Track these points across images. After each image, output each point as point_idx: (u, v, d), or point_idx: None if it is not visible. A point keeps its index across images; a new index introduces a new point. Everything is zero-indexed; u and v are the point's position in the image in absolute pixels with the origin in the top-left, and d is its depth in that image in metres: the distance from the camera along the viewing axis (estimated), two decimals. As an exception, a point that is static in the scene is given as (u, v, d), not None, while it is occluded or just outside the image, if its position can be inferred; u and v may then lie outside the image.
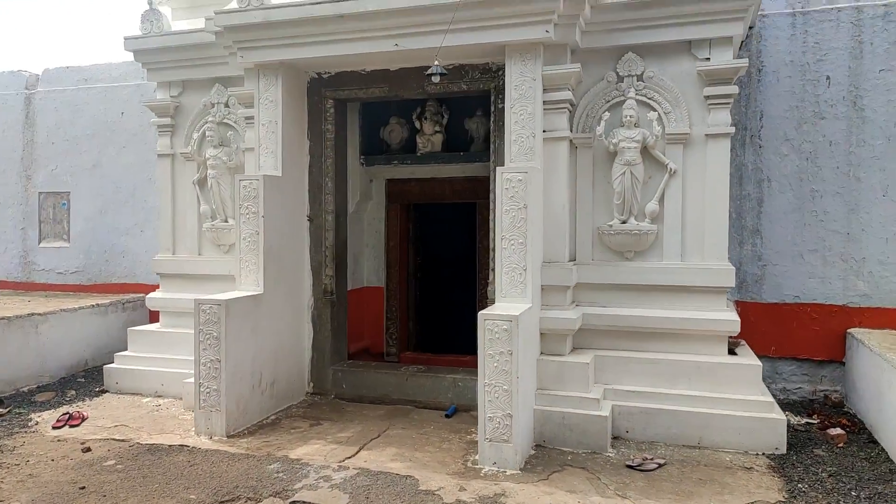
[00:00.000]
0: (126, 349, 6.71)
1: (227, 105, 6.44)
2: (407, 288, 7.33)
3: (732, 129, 5.05)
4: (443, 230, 8.15)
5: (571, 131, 5.28)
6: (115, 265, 8.23)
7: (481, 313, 4.49)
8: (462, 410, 5.68)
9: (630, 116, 5.19)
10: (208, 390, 5.16)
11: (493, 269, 5.64)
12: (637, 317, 5.16)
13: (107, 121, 8.25)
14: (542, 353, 5.13)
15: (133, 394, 6.38)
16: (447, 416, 5.55)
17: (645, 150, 5.22)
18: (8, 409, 5.77)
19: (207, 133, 6.40)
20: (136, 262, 8.08)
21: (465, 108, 6.92)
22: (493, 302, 5.59)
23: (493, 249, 5.65)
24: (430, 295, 7.79)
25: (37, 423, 5.50)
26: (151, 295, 6.73)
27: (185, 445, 4.94)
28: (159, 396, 6.27)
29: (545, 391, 4.96)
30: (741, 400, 4.80)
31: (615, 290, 5.30)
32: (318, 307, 6.19)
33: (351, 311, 6.61)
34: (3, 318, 6.27)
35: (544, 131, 5.12)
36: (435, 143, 6.84)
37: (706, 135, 5.10)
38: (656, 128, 5.12)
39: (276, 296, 5.73)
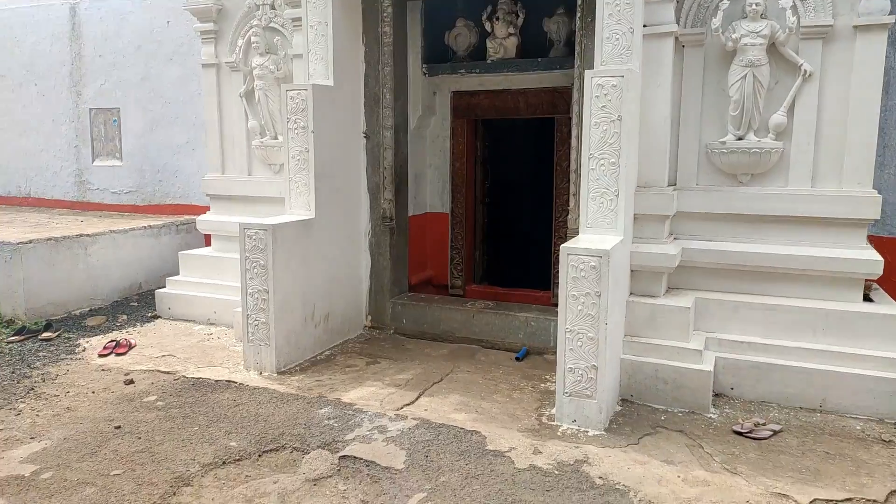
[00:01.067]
0: (179, 273, 6.39)
1: (273, 7, 5.72)
2: (474, 214, 6.62)
3: (892, 19, 3.96)
4: (515, 149, 7.33)
5: (678, 25, 4.30)
6: (168, 185, 7.86)
7: (564, 247, 3.76)
8: (534, 353, 5.06)
9: (756, 5, 4.16)
10: (256, 323, 4.71)
11: (575, 195, 4.88)
12: (751, 254, 4.30)
13: (152, 31, 7.68)
14: (631, 293, 4.38)
15: (185, 320, 6.07)
16: (518, 358, 4.95)
17: (772, 48, 4.21)
18: (57, 333, 5.55)
19: (253, 39, 5.73)
20: (189, 183, 7.68)
21: (544, 5, 5.93)
22: (574, 232, 4.83)
23: (577, 171, 4.86)
24: (500, 222, 7.06)
25: (83, 350, 5.24)
26: (202, 217, 6.31)
27: (233, 381, 4.55)
28: (211, 324, 5.93)
29: (635, 338, 4.25)
30: (879, 357, 3.95)
31: (723, 220, 4.44)
32: (377, 234, 5.60)
33: (412, 239, 5.99)
34: (50, 239, 5.99)
35: (644, 26, 4.17)
36: (508, 48, 5.92)
37: (854, 26, 4.04)
38: (790, 18, 4.07)
39: (330, 221, 5.15)
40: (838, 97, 4.12)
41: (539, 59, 5.76)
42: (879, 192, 4.73)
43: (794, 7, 4.10)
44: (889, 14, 3.95)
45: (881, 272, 4.06)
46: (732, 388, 4.20)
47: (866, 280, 4.28)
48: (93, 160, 8.27)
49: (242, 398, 4.25)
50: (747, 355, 4.18)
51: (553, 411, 3.95)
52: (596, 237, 3.95)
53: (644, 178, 4.36)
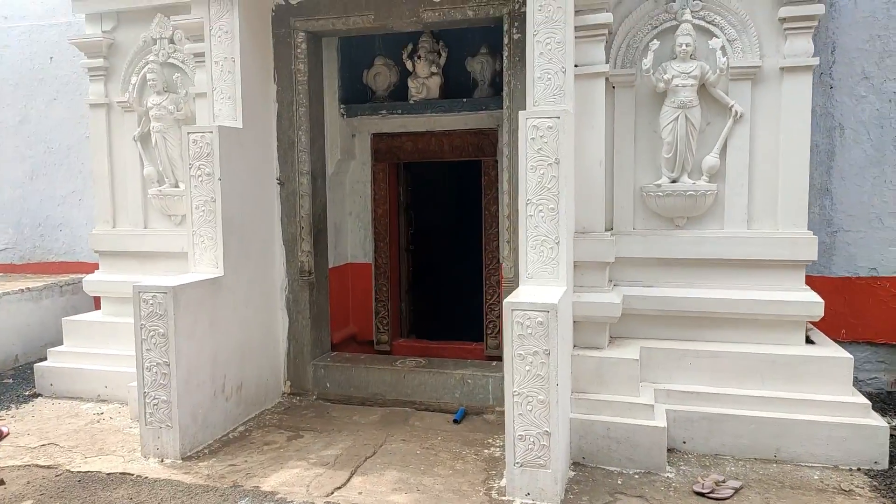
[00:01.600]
0: (63, 343, 5.56)
1: (171, 41, 5.20)
2: (399, 263, 6.22)
3: (816, 61, 4.00)
4: (440, 194, 7.04)
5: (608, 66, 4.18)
6: (51, 240, 6.98)
7: (507, 302, 3.44)
8: (472, 413, 4.68)
9: (686, 45, 4.10)
10: (156, 402, 4.07)
11: (510, 242, 4.62)
12: (692, 299, 4.16)
13: (33, 67, 6.90)
14: (574, 345, 4.11)
15: (70, 398, 5.26)
16: (456, 421, 4.55)
17: (702, 90, 4.16)
18: None
19: (149, 76, 5.17)
20: (75, 237, 6.85)
21: (467, 45, 5.73)
22: (510, 282, 4.56)
23: (509, 217, 4.61)
24: (426, 271, 6.70)
25: (-61, 445, 4.37)
26: (89, 277, 5.56)
27: (128, 474, 3.87)
28: (102, 401, 5.16)
29: (582, 395, 3.96)
30: (826, 401, 3.85)
31: (662, 265, 4.30)
32: (294, 290, 5.09)
33: (333, 293, 5.52)
34: None
35: (576, 66, 4.01)
36: (431, 88, 5.66)
37: (781, 68, 4.06)
38: (721, 59, 4.03)
39: (241, 278, 4.62)
40: (769, 138, 4.10)
41: (464, 100, 5.53)
42: (805, 231, 4.74)
43: (722, 49, 4.07)
44: (813, 56, 3.98)
45: (822, 313, 4.01)
46: (685, 442, 3.98)
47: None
48: (-40, 214, 7.25)
49: (141, 495, 3.60)
50: (697, 406, 3.99)
51: (503, 483, 3.57)
52: (538, 289, 3.66)
53: (581, 224, 4.15)
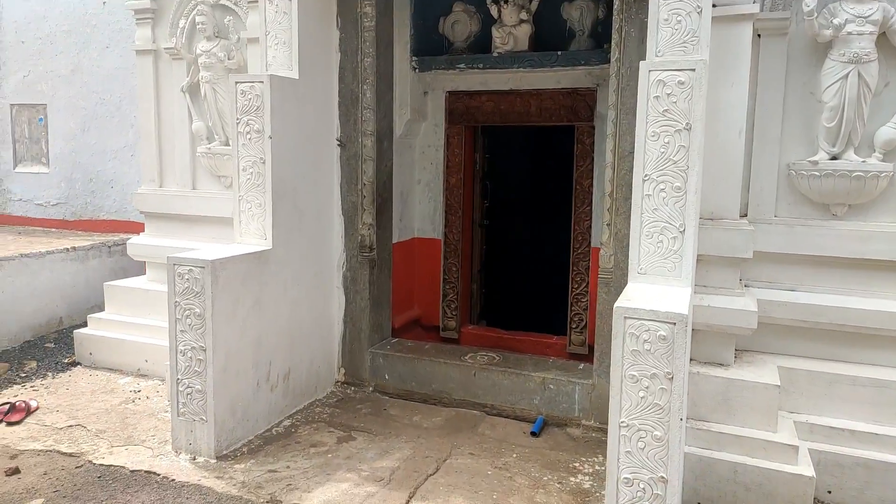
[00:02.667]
0: (105, 309, 5.15)
1: (224, -22, 4.56)
2: (472, 241, 5.49)
3: None
4: (523, 164, 6.22)
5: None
6: (102, 197, 6.60)
7: (619, 307, 2.65)
8: (552, 424, 3.96)
9: (864, -20, 3.14)
10: (189, 391, 3.53)
11: (609, 224, 3.80)
12: (852, 310, 3.27)
13: (85, 13, 6.45)
14: (692, 359, 3.30)
15: (109, 370, 4.86)
16: (533, 433, 3.84)
17: (882, 40, 3.20)
18: (-67, 394, 4.29)
19: (198, 20, 4.56)
20: (126, 194, 6.43)
21: (563, -13, 4.85)
22: (608, 273, 3.78)
23: (611, 195, 3.78)
24: (502, 250, 5.93)
25: (-37, 419, 3.99)
26: (133, 240, 5.11)
27: (154, 473, 3.36)
28: (141, 376, 4.72)
29: (701, 424, 3.16)
30: None
31: (810, 264, 3.42)
32: (353, 267, 4.45)
33: (396, 272, 4.84)
34: (-65, 268, 4.72)
35: (713, 6, 3.11)
36: (519, 39, 4.82)
37: None
38: (915, -2, 3.05)
39: (292, 252, 4.00)
40: (972, 105, 3.12)
41: (559, 53, 4.66)
42: None
43: (916, -16, 3.09)
44: None
45: None
46: (830, 492, 3.14)
47: None
48: (14, 165, 6.96)
49: (165, 502, 3.07)
50: (851, 448, 3.14)
51: (597, 531, 2.84)
52: (655, 289, 2.86)
53: (709, 208, 3.30)
